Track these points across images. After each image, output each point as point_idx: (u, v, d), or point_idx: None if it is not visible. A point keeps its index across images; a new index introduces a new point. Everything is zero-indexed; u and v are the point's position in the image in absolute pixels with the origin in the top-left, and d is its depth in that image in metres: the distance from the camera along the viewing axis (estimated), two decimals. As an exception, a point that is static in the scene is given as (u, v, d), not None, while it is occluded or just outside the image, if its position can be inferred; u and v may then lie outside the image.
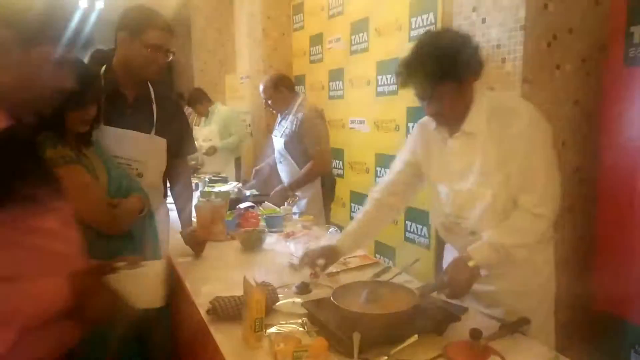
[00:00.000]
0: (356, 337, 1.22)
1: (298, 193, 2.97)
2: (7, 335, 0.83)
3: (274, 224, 2.50)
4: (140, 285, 1.05)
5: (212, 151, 4.50)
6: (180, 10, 6.56)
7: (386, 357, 1.21)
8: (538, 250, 1.58)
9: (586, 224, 2.38)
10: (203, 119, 4.86)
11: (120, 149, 1.84)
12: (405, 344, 1.24)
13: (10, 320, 0.85)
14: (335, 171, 3.92)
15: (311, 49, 4.53)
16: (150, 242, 1.80)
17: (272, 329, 1.39)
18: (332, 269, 1.87)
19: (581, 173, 2.36)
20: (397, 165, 1.77)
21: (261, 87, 3.08)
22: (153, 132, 1.92)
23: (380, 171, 3.68)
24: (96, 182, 1.62)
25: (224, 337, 1.38)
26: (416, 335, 1.24)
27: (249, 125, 5.21)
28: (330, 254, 1.72)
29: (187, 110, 5.07)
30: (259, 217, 2.51)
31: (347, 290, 1.48)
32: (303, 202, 2.97)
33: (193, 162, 4.32)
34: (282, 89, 3.04)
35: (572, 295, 2.41)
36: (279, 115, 3.19)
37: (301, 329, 1.41)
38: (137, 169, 1.88)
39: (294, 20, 4.82)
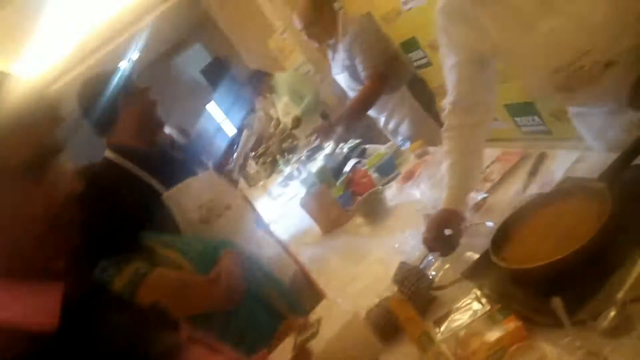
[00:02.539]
0: (556, 303, 0.83)
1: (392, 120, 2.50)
2: None
3: (386, 169, 2.12)
4: (350, 346, 0.89)
5: (297, 122, 4.20)
6: None
7: (614, 309, 0.80)
8: None
9: None
10: (271, 96, 4.58)
11: (196, 200, 1.63)
12: (632, 278, 0.82)
13: None
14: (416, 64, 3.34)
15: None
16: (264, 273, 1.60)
17: (443, 328, 1.06)
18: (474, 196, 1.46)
19: None
20: (453, 73, 1.27)
21: (296, 18, 2.50)
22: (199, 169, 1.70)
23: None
24: (183, 270, 1.42)
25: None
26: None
27: (309, 71, 4.79)
28: (452, 220, 1.22)
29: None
30: (368, 173, 2.14)
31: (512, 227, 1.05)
32: (404, 126, 2.52)
33: (287, 144, 4.09)
34: (325, 7, 2.48)
35: None
36: (328, 51, 2.72)
37: (479, 306, 1.05)
38: (220, 207, 1.67)
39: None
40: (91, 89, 1.56)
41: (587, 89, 1.10)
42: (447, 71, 1.29)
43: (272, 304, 1.56)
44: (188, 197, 1.56)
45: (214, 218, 1.59)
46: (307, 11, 2.46)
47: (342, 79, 2.64)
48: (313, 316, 0.94)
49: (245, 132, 3.15)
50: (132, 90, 1.61)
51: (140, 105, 1.60)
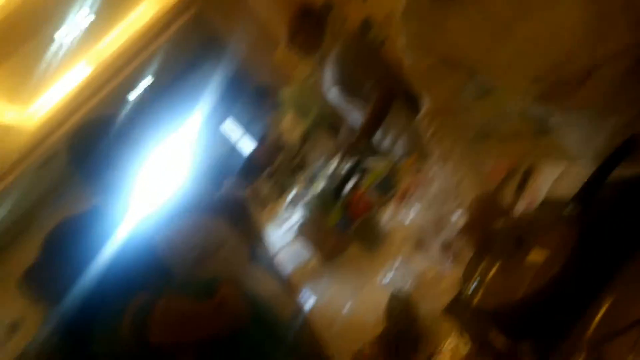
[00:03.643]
0: (524, 349, 0.81)
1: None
2: None
3: (384, 187, 2.09)
4: None
5: (304, 138, 4.18)
6: None
7: (583, 353, 0.77)
8: None
9: None
10: (279, 112, 4.59)
11: (188, 241, 1.64)
12: (600, 315, 0.78)
13: None
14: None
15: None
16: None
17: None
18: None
19: None
20: (422, 78, 1.22)
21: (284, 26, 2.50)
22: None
23: None
24: (186, 299, 1.43)
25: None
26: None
27: (316, 81, 4.77)
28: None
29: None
30: (366, 194, 2.09)
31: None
32: (401, 142, 2.46)
33: (295, 161, 4.07)
34: (313, 19, 2.47)
35: None
36: (318, 66, 2.70)
37: (461, 346, 1.02)
38: (212, 246, 1.69)
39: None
40: (79, 140, 1.57)
41: (569, 97, 1.04)
42: (415, 77, 1.24)
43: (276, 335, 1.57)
44: (179, 240, 1.57)
45: (207, 257, 1.60)
46: (294, 19, 2.46)
47: (332, 96, 2.62)
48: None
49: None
50: (123, 137, 1.60)
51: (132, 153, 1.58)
